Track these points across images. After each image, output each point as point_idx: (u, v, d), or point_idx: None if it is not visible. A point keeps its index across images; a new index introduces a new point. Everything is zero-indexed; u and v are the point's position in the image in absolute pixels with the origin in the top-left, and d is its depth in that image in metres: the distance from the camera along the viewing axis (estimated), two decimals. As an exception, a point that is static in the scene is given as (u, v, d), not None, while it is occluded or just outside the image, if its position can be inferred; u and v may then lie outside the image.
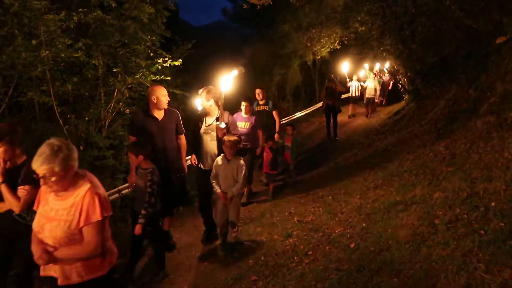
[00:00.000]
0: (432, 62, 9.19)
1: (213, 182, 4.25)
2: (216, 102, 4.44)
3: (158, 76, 6.27)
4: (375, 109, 13.53)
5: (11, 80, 5.16)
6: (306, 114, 14.56)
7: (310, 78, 17.06)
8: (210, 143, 4.53)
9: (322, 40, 10.89)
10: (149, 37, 6.36)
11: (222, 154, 4.26)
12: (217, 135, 4.41)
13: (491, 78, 6.06)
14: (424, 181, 4.63)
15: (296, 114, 14.31)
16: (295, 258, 3.86)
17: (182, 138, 4.54)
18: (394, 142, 7.65)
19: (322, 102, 10.97)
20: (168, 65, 6.39)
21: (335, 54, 13.84)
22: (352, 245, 3.71)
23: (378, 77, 13.28)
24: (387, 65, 13.40)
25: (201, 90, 4.49)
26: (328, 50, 12.01)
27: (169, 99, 4.25)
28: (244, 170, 4.19)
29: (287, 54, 15.56)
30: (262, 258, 4.08)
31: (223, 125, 4.28)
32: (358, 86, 13.06)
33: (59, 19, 5.12)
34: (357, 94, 13.22)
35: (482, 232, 3.01)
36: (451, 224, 3.34)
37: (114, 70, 6.02)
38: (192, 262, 4.34)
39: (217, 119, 4.41)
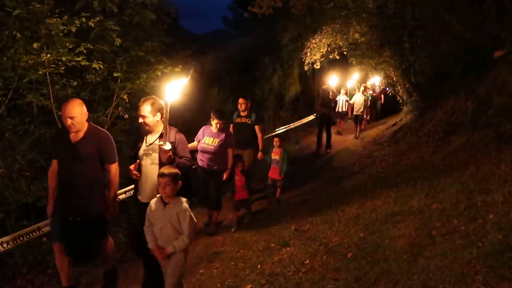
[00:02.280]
0: (430, 74, 9.28)
1: (147, 233, 3.07)
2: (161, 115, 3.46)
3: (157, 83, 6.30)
4: (362, 128, 12.11)
5: (11, 83, 5.16)
6: (303, 123, 14.53)
7: (309, 87, 17.14)
8: (150, 167, 3.50)
9: (322, 50, 10.93)
10: (150, 43, 6.39)
11: (158, 195, 3.10)
12: (159, 158, 3.43)
13: (489, 91, 6.12)
14: (421, 192, 4.63)
15: (292, 123, 14.32)
16: (292, 267, 3.84)
17: (112, 168, 3.53)
18: (392, 153, 7.67)
19: (316, 111, 10.66)
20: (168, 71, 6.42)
21: (334, 64, 13.94)
22: (349, 255, 3.70)
23: (368, 92, 12.42)
24: (377, 79, 12.85)
25: (141, 101, 3.52)
26: (327, 60, 12.08)
27: (86, 116, 3.40)
28: (189, 217, 2.96)
29: (286, 63, 15.70)
30: (259, 266, 4.05)
31: (167, 146, 3.22)
32: (344, 101, 12.00)
33: (61, 23, 5.14)
34: (344, 109, 12.10)
35: (480, 244, 3.01)
36: (448, 236, 3.34)
37: (115, 75, 6.04)
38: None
39: (161, 137, 3.40)
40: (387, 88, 14.04)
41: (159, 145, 3.27)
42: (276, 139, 6.43)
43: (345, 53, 10.73)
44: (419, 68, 9.12)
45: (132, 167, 3.52)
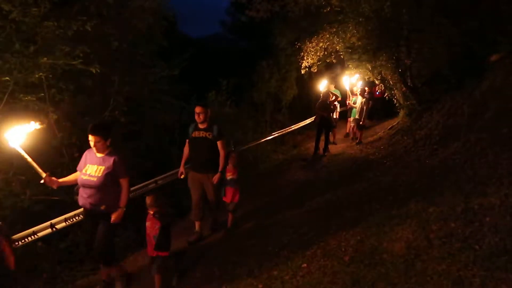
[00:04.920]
0: (427, 77, 9.32)
1: None
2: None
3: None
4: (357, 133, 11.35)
5: (7, 86, 5.14)
6: (300, 126, 14.52)
7: (306, 91, 17.16)
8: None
9: (318, 54, 10.96)
10: (147, 46, 6.40)
11: None
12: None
13: (485, 94, 6.15)
14: (418, 195, 4.63)
15: (291, 126, 14.32)
16: (289, 270, 3.82)
17: None
18: (389, 156, 7.67)
19: (315, 115, 10.41)
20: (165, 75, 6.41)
21: (330, 68, 13.96)
22: (346, 258, 3.69)
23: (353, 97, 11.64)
24: (360, 83, 12.34)
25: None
26: (324, 64, 12.10)
27: None
28: None
29: (283, 67, 15.71)
30: (255, 270, 4.03)
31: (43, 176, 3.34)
32: (338, 107, 11.57)
33: (58, 26, 5.13)
34: (335, 117, 11.39)
35: (477, 247, 3.01)
36: (446, 239, 3.34)
37: (111, 78, 6.04)
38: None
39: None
40: (377, 92, 14.04)
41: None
42: (232, 156, 5.29)
43: (342, 56, 10.75)
44: (416, 71, 9.15)
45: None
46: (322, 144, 10.08)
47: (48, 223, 4.53)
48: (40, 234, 4.36)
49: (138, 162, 6.85)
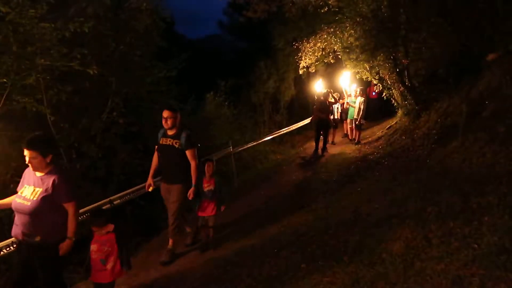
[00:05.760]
0: (425, 77, 9.33)
1: None
2: None
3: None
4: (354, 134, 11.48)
5: (4, 88, 5.13)
6: (298, 127, 14.52)
7: (304, 91, 17.19)
8: None
9: (316, 54, 10.98)
10: (144, 47, 6.39)
11: None
12: None
13: (482, 93, 6.16)
14: (417, 195, 4.63)
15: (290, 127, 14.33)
16: (289, 271, 3.82)
17: None
18: (387, 156, 7.68)
19: (313, 115, 10.31)
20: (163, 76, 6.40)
21: (329, 68, 13.99)
22: (346, 258, 3.68)
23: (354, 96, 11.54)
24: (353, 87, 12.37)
25: None
26: (322, 64, 12.12)
27: None
28: None
29: (281, 67, 15.75)
30: (255, 271, 4.02)
31: None
32: (338, 107, 11.61)
33: (55, 28, 5.12)
34: (336, 117, 11.57)
35: (476, 246, 3.01)
36: (444, 238, 3.33)
37: (109, 79, 6.03)
38: (182, 275, 4.27)
39: None
40: (373, 93, 14.05)
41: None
42: (208, 164, 4.82)
43: (339, 56, 10.77)
44: (413, 71, 9.17)
45: None
46: (321, 145, 10.11)
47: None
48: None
49: (137, 163, 6.84)
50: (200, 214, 4.91)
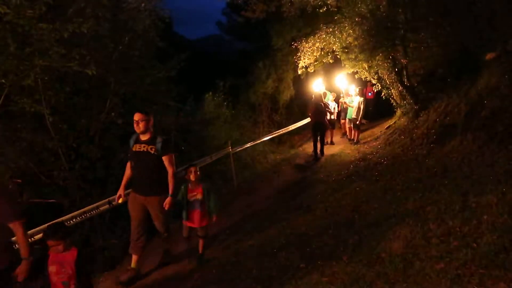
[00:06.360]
0: (423, 77, 9.35)
1: None
2: None
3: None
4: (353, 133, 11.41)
5: (3, 89, 5.12)
6: (297, 127, 14.49)
7: (303, 91, 17.19)
8: None
9: (315, 54, 10.97)
10: (143, 48, 6.38)
11: None
12: None
13: (481, 93, 6.17)
14: (416, 194, 4.64)
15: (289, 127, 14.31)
16: (288, 271, 3.82)
17: None
18: (386, 155, 7.69)
19: (310, 118, 10.13)
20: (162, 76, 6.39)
21: (327, 68, 13.98)
22: (345, 258, 3.68)
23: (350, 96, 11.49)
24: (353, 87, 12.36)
25: None
26: (320, 64, 12.12)
27: None
28: None
29: (280, 68, 15.71)
30: (254, 271, 4.02)
31: None
32: (335, 107, 11.53)
33: (54, 28, 5.11)
34: (333, 117, 11.49)
35: (475, 245, 3.01)
36: (444, 237, 3.34)
37: (108, 80, 6.02)
38: (182, 275, 4.27)
39: None
40: (370, 93, 14.09)
41: None
42: (191, 170, 4.32)
43: (338, 56, 10.77)
44: (412, 71, 9.18)
45: None
46: (319, 147, 10.14)
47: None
48: (36, 237, 4.31)
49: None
50: (189, 224, 4.41)
